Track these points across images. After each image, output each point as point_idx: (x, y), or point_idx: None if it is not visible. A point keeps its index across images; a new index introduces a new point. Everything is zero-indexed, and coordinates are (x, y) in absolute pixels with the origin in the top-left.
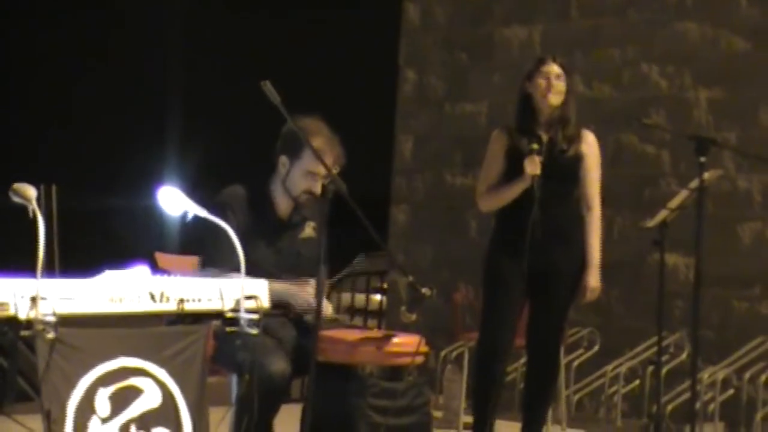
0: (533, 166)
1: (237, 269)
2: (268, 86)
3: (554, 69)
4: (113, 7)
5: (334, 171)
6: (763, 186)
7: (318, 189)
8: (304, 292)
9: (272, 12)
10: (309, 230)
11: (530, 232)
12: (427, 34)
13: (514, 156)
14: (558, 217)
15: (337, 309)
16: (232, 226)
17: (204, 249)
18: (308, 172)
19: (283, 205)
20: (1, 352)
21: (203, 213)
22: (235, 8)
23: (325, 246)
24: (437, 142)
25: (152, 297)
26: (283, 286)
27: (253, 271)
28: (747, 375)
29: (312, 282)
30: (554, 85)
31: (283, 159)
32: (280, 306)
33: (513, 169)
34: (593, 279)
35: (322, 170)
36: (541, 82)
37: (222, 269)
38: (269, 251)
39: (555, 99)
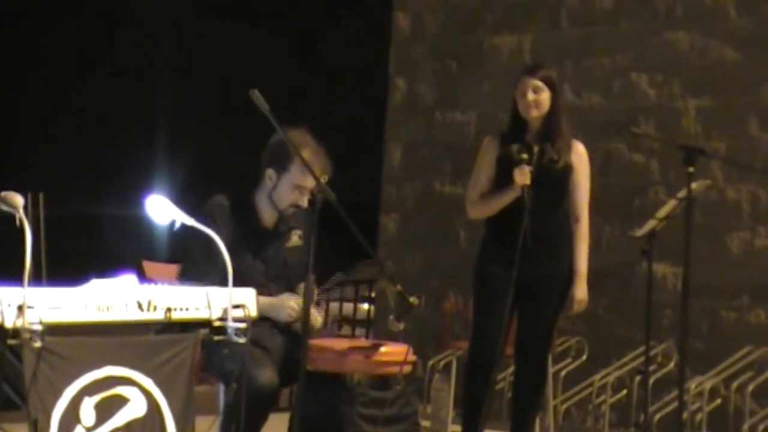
0: (522, 176)
1: (217, 280)
2: (256, 95)
3: (531, 83)
4: (102, 17)
5: (323, 180)
6: (751, 196)
7: (304, 202)
8: (286, 307)
9: (261, 21)
10: (295, 239)
11: (520, 241)
12: (416, 42)
13: (505, 164)
14: (548, 226)
15: (325, 319)
16: (219, 237)
17: (184, 259)
18: (295, 185)
19: (267, 216)
20: None
21: (191, 222)
22: (223, 17)
23: (313, 255)
24: (427, 150)
25: (140, 306)
26: (265, 301)
27: (240, 282)
28: (734, 385)
29: (293, 296)
30: (530, 99)
31: (270, 172)
32: (263, 319)
33: (503, 178)
34: (580, 290)
35: (309, 183)
36: (518, 96)
37: (200, 280)
38: (255, 261)
39: (534, 112)
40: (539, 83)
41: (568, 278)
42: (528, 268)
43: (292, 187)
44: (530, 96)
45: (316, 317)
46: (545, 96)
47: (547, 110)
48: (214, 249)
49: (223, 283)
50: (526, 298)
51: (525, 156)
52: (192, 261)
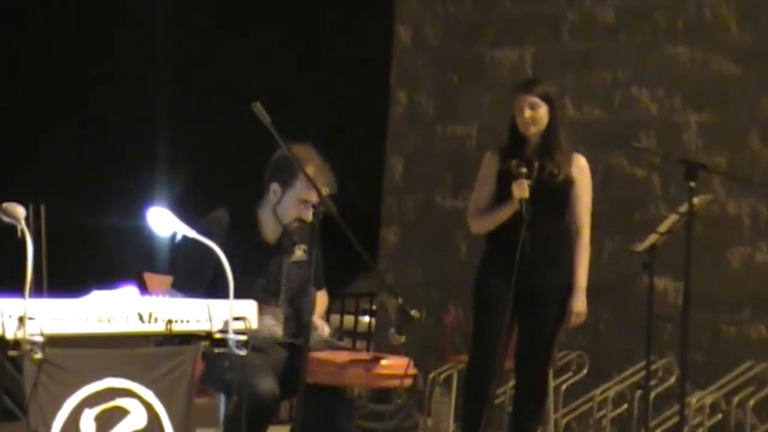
0: (521, 190)
1: (203, 293)
2: (258, 107)
3: (527, 99)
4: (102, 27)
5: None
6: (752, 210)
7: (309, 216)
8: (263, 324)
9: (263, 33)
10: (300, 253)
11: (518, 254)
12: (418, 55)
13: (505, 178)
14: (547, 238)
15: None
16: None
17: (175, 271)
18: (300, 200)
19: (270, 230)
20: None
21: (192, 234)
22: (224, 29)
23: (314, 267)
24: (427, 162)
25: (141, 318)
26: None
27: (240, 297)
28: (735, 400)
29: (269, 311)
30: (527, 116)
31: (275, 186)
32: None
33: (503, 192)
34: (579, 303)
35: (314, 198)
36: (516, 113)
37: (185, 292)
38: (256, 276)
39: (532, 129)
40: (536, 99)
41: (569, 290)
42: (528, 280)
43: (297, 201)
44: (527, 113)
45: (324, 328)
46: (542, 111)
47: (545, 125)
48: (204, 261)
49: (210, 295)
50: (526, 311)
51: (524, 170)
52: (178, 273)
